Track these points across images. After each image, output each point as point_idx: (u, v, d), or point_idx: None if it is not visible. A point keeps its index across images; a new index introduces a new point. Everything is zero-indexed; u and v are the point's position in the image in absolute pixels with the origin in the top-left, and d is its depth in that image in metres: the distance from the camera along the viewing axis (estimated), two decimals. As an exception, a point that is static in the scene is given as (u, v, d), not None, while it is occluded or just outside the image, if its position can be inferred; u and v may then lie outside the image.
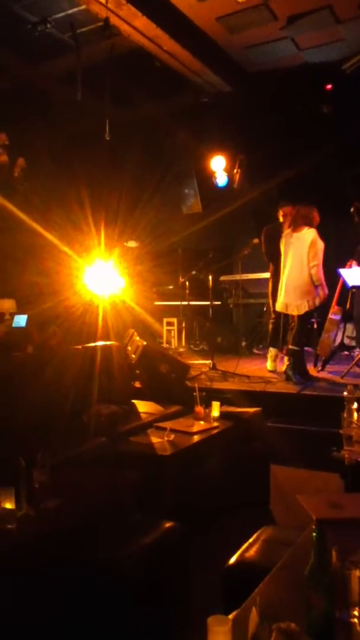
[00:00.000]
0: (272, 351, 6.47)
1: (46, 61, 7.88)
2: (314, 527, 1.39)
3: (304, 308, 5.62)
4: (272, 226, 6.67)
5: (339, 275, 6.21)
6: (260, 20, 6.95)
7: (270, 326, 6.64)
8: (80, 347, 4.30)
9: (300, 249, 5.62)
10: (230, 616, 1.40)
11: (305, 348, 6.03)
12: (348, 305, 6.81)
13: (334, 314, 6.60)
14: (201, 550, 2.60)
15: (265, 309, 8.38)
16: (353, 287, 6.20)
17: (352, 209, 5.38)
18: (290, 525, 2.87)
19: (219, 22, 7.08)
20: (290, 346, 5.77)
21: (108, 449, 3.37)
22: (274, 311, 6.43)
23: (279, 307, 5.84)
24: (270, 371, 6.35)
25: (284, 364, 5.91)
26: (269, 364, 6.45)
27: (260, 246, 6.90)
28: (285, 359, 5.88)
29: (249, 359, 7.55)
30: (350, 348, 7.35)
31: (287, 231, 5.82)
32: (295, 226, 5.71)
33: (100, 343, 4.58)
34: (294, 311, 5.67)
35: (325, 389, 5.34)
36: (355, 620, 1.38)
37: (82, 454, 3.32)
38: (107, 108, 7.51)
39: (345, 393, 3.48)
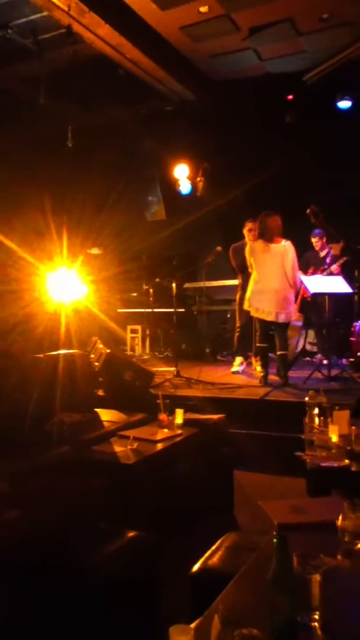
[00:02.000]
0: (238, 359, 6.64)
1: (8, 65, 7.79)
2: (275, 532, 1.40)
3: (290, 316, 5.89)
4: (239, 244, 6.82)
5: (300, 283, 6.31)
6: (223, 30, 7.05)
7: (237, 335, 6.74)
8: (42, 355, 4.24)
9: (280, 260, 5.80)
10: (193, 624, 1.40)
11: (270, 354, 6.10)
12: (309, 312, 6.94)
13: (296, 321, 6.71)
14: (167, 557, 2.59)
15: (229, 315, 8.45)
16: (314, 294, 6.30)
17: (308, 211, 5.49)
18: (254, 531, 2.89)
19: (182, 32, 7.14)
20: (281, 352, 5.86)
21: (71, 458, 3.33)
22: (241, 321, 6.53)
23: (259, 314, 5.86)
24: (233, 372, 6.57)
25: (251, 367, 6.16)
26: (234, 368, 6.60)
27: (229, 260, 7.01)
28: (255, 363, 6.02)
29: (213, 366, 7.60)
30: (312, 354, 7.47)
31: (259, 243, 5.86)
32: (271, 237, 5.80)
33: (62, 351, 4.53)
34: (276, 318, 5.75)
35: (288, 394, 5.41)
36: (316, 624, 1.40)
37: (44, 463, 3.27)
38: (70, 114, 7.47)
39: (307, 399, 3.53)
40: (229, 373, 6.78)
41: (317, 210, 5.48)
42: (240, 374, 6.59)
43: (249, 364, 6.87)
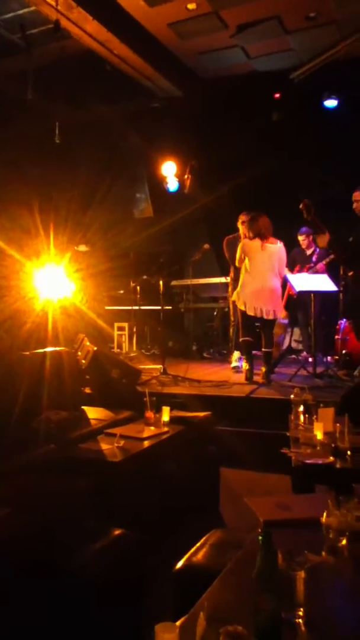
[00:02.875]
0: (236, 354, 6.64)
1: (-5, 60, 7.73)
2: (260, 529, 1.41)
3: (280, 312, 6.00)
4: (232, 236, 6.85)
5: (286, 281, 6.34)
6: (210, 27, 7.05)
7: (232, 329, 6.75)
8: (28, 352, 4.23)
9: (274, 259, 5.87)
10: (179, 622, 1.41)
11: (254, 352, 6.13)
12: (295, 310, 6.98)
13: (282, 319, 6.74)
14: (153, 555, 2.60)
15: (215, 313, 8.47)
16: (300, 292, 6.33)
17: (301, 205, 5.51)
18: (239, 528, 2.91)
19: (170, 28, 7.13)
20: (267, 349, 5.90)
21: (58, 456, 3.33)
22: (235, 315, 6.54)
23: (254, 313, 5.85)
24: (233, 367, 6.60)
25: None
26: (233, 364, 6.67)
27: (222, 253, 7.02)
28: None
29: (200, 363, 7.61)
30: (297, 351, 7.51)
31: (256, 242, 5.87)
32: (266, 237, 5.85)
33: (49, 349, 4.51)
34: (269, 315, 5.79)
35: (274, 391, 5.43)
36: (300, 620, 1.41)
37: (30, 461, 3.26)
38: (58, 110, 7.44)
39: (292, 396, 3.55)
40: (216, 370, 6.79)
41: (309, 204, 5.50)
42: (240, 369, 6.43)
43: (240, 359, 6.87)
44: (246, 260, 5.90)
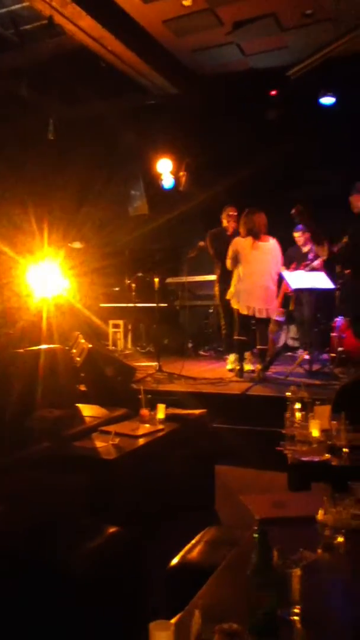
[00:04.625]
0: (232, 356, 6.55)
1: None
2: (256, 527, 1.39)
3: (274, 311, 5.98)
4: (217, 230, 6.82)
5: (281, 278, 6.33)
6: (206, 24, 7.02)
7: (224, 333, 6.70)
8: (23, 350, 4.20)
9: (268, 257, 5.83)
10: (174, 619, 1.40)
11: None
12: (291, 307, 6.96)
13: (278, 316, 6.72)
14: (149, 553, 2.59)
15: (211, 310, 8.46)
16: (296, 289, 6.33)
17: (293, 211, 5.49)
18: (235, 525, 2.90)
19: (165, 25, 7.10)
20: (262, 347, 5.87)
21: (52, 454, 3.31)
22: (225, 319, 6.51)
23: (248, 312, 5.83)
24: (230, 370, 6.42)
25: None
26: (229, 366, 6.51)
27: (208, 249, 6.98)
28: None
29: (195, 361, 7.61)
30: (293, 349, 7.51)
31: (249, 240, 5.83)
32: (259, 234, 5.81)
33: (44, 346, 4.49)
34: (262, 314, 5.76)
35: (270, 389, 5.43)
36: (296, 617, 1.40)
37: (25, 459, 3.24)
38: (52, 106, 7.40)
39: (288, 393, 3.54)
40: (212, 368, 6.78)
41: (302, 209, 5.49)
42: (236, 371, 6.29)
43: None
44: (239, 257, 5.87)
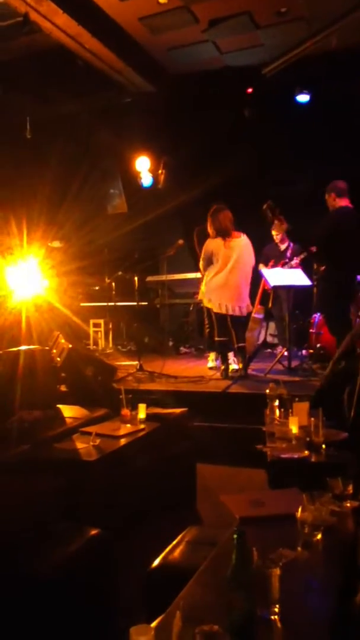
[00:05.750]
0: (213, 355, 6.60)
1: None
2: (234, 528, 1.41)
3: (245, 309, 5.91)
4: (204, 227, 6.81)
5: (260, 275, 6.36)
6: (182, 22, 7.01)
7: (207, 331, 6.72)
8: (1, 352, 4.17)
9: (239, 253, 5.81)
10: (154, 623, 1.41)
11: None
12: (270, 304, 7.01)
13: (257, 313, 6.77)
14: (129, 554, 2.59)
15: (191, 308, 8.47)
16: (274, 286, 6.37)
17: (264, 206, 5.50)
18: (216, 525, 2.92)
19: (141, 23, 7.07)
20: (240, 344, 5.88)
21: (32, 456, 3.29)
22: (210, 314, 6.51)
23: (221, 310, 5.83)
24: (210, 368, 6.47)
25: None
26: (210, 364, 6.56)
27: (194, 246, 6.97)
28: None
29: (176, 359, 7.62)
30: (272, 345, 7.57)
31: (217, 240, 5.82)
32: (227, 233, 5.83)
33: (23, 347, 4.46)
34: (235, 312, 5.78)
35: (249, 386, 5.47)
36: (276, 617, 1.42)
37: (3, 461, 3.22)
38: (28, 105, 7.34)
39: (267, 391, 3.57)
40: (192, 366, 6.80)
41: (273, 206, 5.50)
42: (217, 369, 6.30)
43: (217, 359, 6.83)
44: (212, 258, 5.88)
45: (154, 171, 8.67)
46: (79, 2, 6.53)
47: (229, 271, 5.79)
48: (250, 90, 7.97)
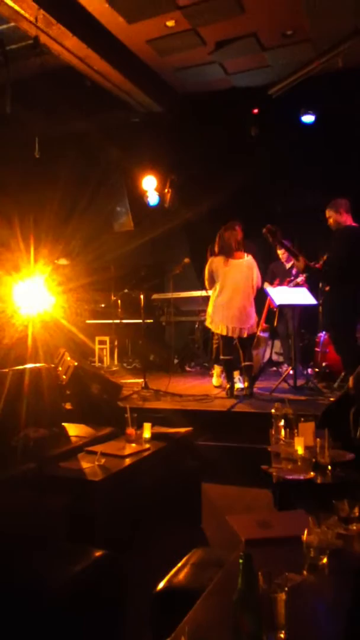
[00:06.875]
0: (217, 368, 6.57)
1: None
2: (241, 553, 1.40)
3: (253, 329, 5.93)
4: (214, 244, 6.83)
5: (265, 294, 6.37)
6: (189, 44, 7.13)
7: (215, 345, 6.72)
8: (7, 370, 4.18)
9: (242, 275, 5.82)
10: (160, 647, 1.40)
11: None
12: (275, 323, 7.01)
13: (262, 331, 6.77)
14: (134, 574, 2.57)
15: (197, 326, 8.49)
16: (280, 305, 6.37)
17: (264, 230, 5.52)
18: (221, 545, 2.89)
19: (149, 45, 7.19)
20: (246, 363, 5.87)
21: (36, 475, 3.29)
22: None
23: (223, 331, 5.83)
24: (216, 387, 6.44)
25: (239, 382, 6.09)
26: (215, 380, 6.54)
27: (204, 266, 6.98)
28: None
29: (181, 377, 7.62)
30: (278, 364, 7.55)
31: (220, 258, 5.84)
32: (230, 252, 5.84)
33: (29, 365, 4.47)
34: (236, 333, 5.78)
35: (255, 405, 5.45)
36: (282, 642, 1.41)
37: (8, 480, 3.21)
38: (37, 124, 7.43)
39: (272, 410, 3.55)
40: (197, 384, 6.79)
41: (273, 229, 5.50)
42: (223, 388, 6.25)
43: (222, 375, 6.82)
44: (215, 277, 5.89)
45: (160, 190, 8.75)
46: (88, 25, 6.65)
47: (230, 293, 5.79)
48: (256, 110, 8.05)
